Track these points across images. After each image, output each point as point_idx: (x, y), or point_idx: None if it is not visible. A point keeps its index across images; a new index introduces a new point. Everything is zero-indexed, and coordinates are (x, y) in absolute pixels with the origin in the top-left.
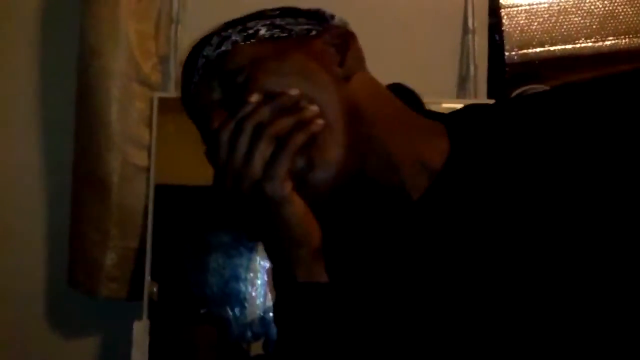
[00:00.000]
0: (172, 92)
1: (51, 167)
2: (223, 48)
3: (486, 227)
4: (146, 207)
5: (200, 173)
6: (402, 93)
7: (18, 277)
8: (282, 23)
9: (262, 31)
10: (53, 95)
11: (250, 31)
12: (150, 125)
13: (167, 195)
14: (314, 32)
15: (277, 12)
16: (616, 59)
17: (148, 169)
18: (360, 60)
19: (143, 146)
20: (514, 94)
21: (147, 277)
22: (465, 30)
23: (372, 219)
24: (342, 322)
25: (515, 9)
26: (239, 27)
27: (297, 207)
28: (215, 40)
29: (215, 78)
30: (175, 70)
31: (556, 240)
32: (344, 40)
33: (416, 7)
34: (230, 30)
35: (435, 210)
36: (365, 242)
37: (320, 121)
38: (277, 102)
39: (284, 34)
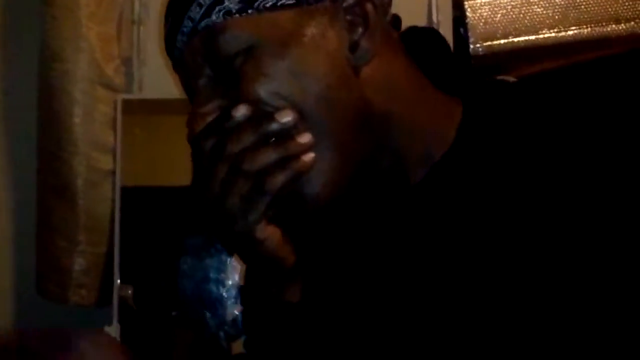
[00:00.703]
0: (136, 93)
1: (16, 172)
2: (213, 18)
3: (473, 226)
4: (114, 211)
5: (167, 173)
6: (427, 39)
7: None
8: None
9: None
10: (16, 98)
11: None
12: (114, 128)
13: (134, 197)
14: None
15: None
16: (579, 48)
17: (114, 173)
18: (380, 35)
19: (108, 150)
20: None
21: (116, 281)
22: (430, 24)
23: (365, 200)
24: (310, 344)
25: (479, 1)
26: None
27: (271, 242)
28: None
29: (202, 55)
30: (138, 72)
31: (537, 254)
32: (363, 12)
33: None
34: None
35: (425, 201)
36: (354, 226)
37: (309, 156)
38: (264, 128)
39: (291, 1)
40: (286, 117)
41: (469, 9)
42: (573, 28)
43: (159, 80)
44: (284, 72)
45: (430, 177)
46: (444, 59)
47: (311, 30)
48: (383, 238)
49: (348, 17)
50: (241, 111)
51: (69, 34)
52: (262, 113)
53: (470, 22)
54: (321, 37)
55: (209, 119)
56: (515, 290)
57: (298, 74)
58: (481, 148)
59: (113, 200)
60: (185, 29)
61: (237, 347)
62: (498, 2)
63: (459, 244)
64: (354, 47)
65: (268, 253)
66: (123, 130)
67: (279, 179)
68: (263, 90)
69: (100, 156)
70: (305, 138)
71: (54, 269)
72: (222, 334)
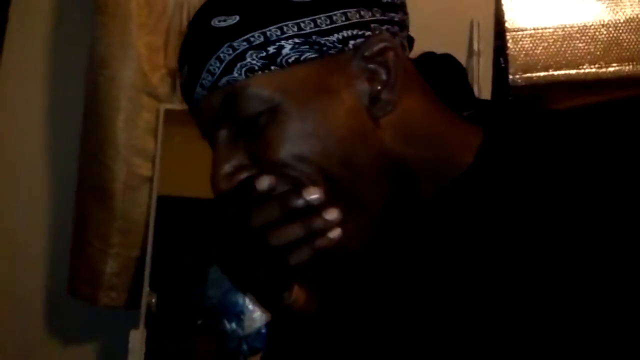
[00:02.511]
0: (179, 104)
1: (56, 171)
2: (235, 75)
3: (468, 249)
4: (149, 217)
5: (203, 185)
6: (446, 65)
7: (18, 284)
8: (313, 30)
9: (286, 49)
10: (61, 103)
11: (271, 49)
12: (155, 136)
13: (169, 207)
14: (350, 45)
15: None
16: (619, 85)
17: (152, 179)
18: (401, 79)
19: (148, 156)
20: None
21: (146, 287)
22: (470, 52)
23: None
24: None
25: (521, 33)
26: (257, 39)
27: (297, 304)
28: (225, 54)
29: (223, 110)
30: None
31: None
32: (385, 60)
33: (422, 30)
34: (244, 41)
35: (428, 221)
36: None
37: (336, 232)
38: (290, 204)
39: (313, 55)
40: (313, 195)
41: (510, 40)
42: (614, 65)
43: None
44: (307, 135)
45: (438, 197)
46: (463, 85)
47: (333, 84)
48: (389, 252)
49: (370, 66)
50: (264, 183)
51: (118, 42)
52: (287, 181)
53: (511, 53)
54: (344, 90)
55: (232, 179)
56: (509, 315)
57: (321, 136)
58: (493, 177)
59: (149, 206)
60: (204, 82)
61: None
62: (540, 34)
63: (451, 264)
64: (374, 99)
65: (294, 309)
66: (164, 138)
67: (305, 254)
68: (287, 153)
69: (140, 162)
70: (332, 214)
71: (87, 269)
72: (244, 346)
